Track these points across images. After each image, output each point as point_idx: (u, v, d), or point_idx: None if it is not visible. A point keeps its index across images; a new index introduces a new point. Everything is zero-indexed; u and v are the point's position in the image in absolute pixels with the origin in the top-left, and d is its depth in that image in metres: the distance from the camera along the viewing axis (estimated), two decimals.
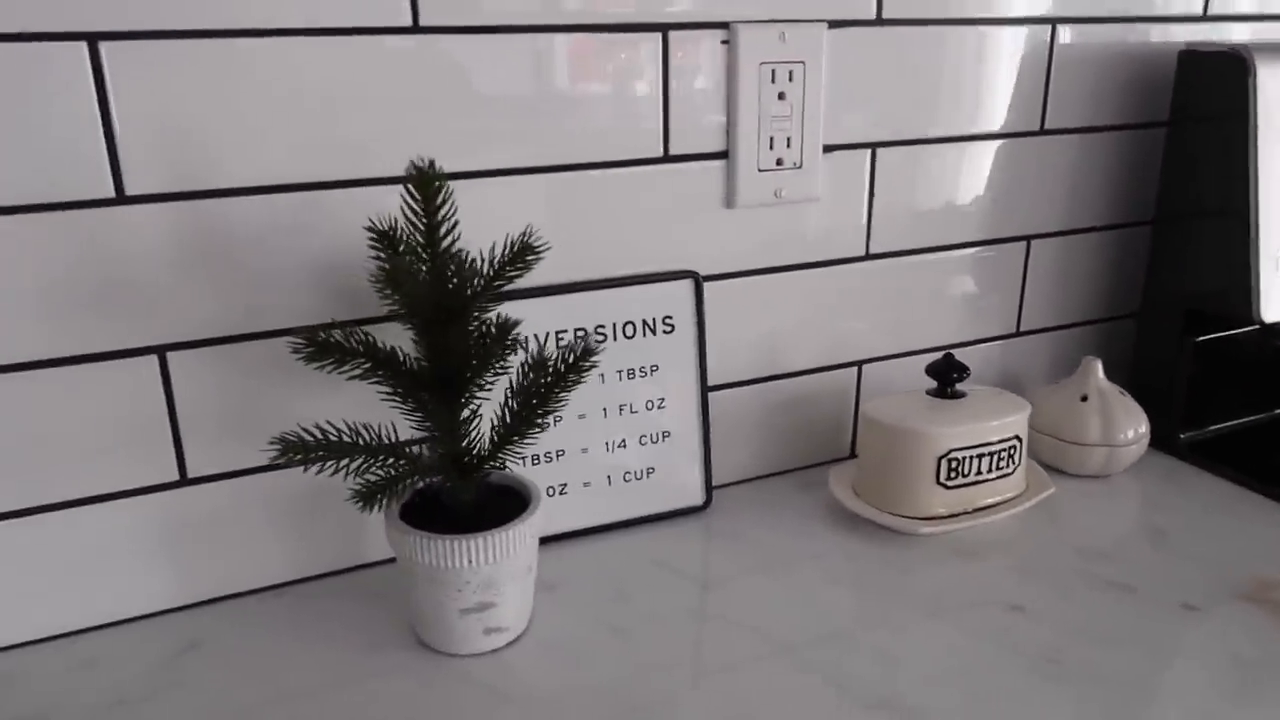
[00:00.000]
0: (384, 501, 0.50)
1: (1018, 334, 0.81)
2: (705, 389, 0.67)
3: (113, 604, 0.56)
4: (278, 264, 0.54)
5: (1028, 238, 0.78)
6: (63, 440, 0.52)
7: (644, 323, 0.64)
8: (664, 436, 0.66)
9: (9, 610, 0.54)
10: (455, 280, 0.47)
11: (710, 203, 0.65)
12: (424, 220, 0.47)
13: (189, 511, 0.56)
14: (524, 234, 0.50)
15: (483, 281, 0.49)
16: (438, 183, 0.47)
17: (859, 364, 0.75)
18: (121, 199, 0.50)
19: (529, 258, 0.50)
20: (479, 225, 0.51)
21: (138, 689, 0.51)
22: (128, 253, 0.51)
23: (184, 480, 0.56)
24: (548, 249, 0.51)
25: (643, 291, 0.64)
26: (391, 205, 0.51)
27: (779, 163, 0.65)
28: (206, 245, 0.52)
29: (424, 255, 0.48)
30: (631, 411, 0.65)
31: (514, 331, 0.48)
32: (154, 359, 0.53)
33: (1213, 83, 0.72)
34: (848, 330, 0.73)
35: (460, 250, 0.48)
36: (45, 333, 0.50)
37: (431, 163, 0.47)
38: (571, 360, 0.50)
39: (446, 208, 0.47)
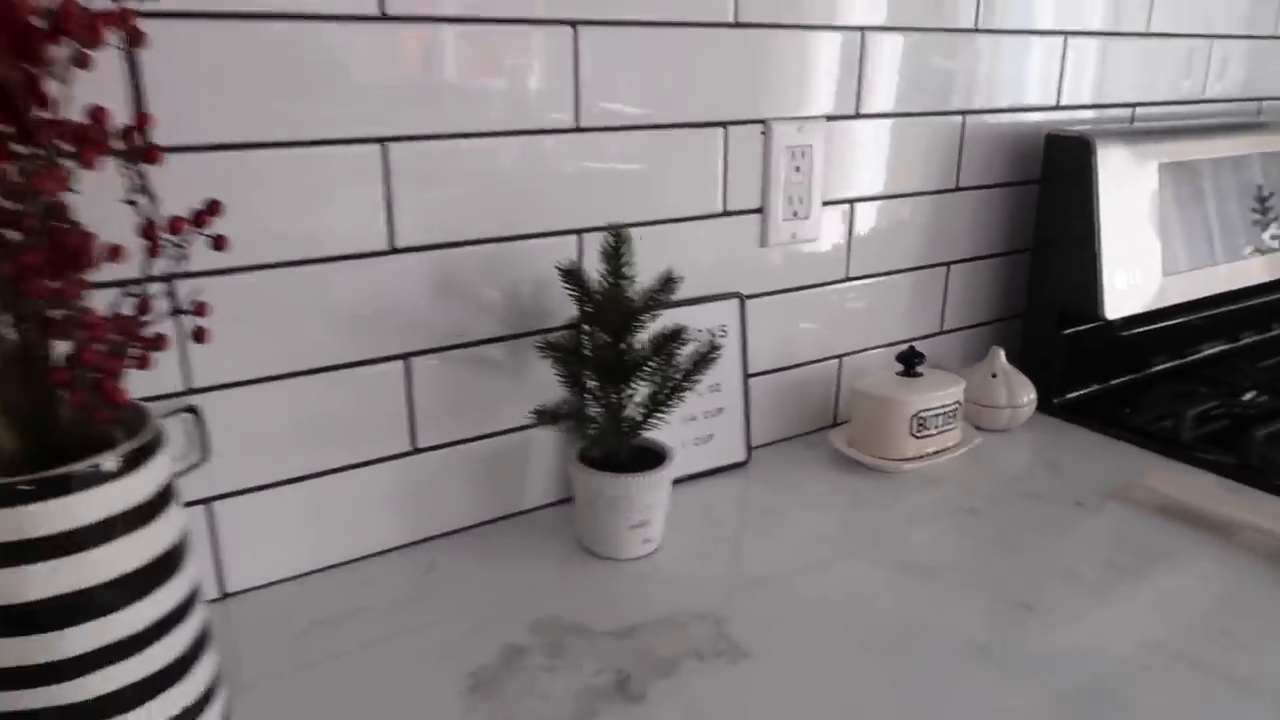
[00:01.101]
0: (598, 444, 0.74)
1: (941, 332, 1.12)
2: (746, 376, 0.94)
3: (374, 539, 0.77)
4: (489, 292, 0.77)
5: (948, 263, 1.09)
6: (338, 422, 0.74)
7: (709, 329, 0.90)
8: (719, 412, 0.93)
9: (306, 547, 0.74)
10: (632, 302, 0.73)
11: (750, 244, 0.92)
12: (614, 263, 0.72)
13: (418, 473, 0.78)
14: (667, 272, 0.76)
15: (648, 301, 0.74)
16: (626, 241, 0.72)
17: (840, 356, 1.03)
18: (394, 251, 0.73)
19: (671, 285, 0.75)
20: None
21: (405, 594, 0.73)
22: (394, 288, 0.73)
23: (415, 450, 0.78)
24: (682, 280, 0.77)
25: (709, 307, 0.90)
26: (568, 250, 0.75)
27: (795, 215, 0.93)
28: (444, 281, 0.75)
29: (609, 283, 0.73)
30: (697, 394, 0.91)
31: (683, 334, 0.73)
32: (401, 363, 0.75)
33: (1068, 155, 1.04)
34: (834, 331, 1.02)
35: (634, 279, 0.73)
36: (337, 344, 0.72)
37: (621, 227, 0.72)
38: (704, 354, 0.76)
39: (629, 255, 0.72)
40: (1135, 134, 1.08)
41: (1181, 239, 1.11)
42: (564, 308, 0.80)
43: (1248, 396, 1.13)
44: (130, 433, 0.50)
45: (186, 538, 0.52)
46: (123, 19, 0.41)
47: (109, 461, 0.47)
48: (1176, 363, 1.21)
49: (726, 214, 0.89)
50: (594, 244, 0.81)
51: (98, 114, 0.42)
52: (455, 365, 0.78)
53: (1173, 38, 1.21)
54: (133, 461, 0.48)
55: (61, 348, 0.46)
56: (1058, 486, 0.92)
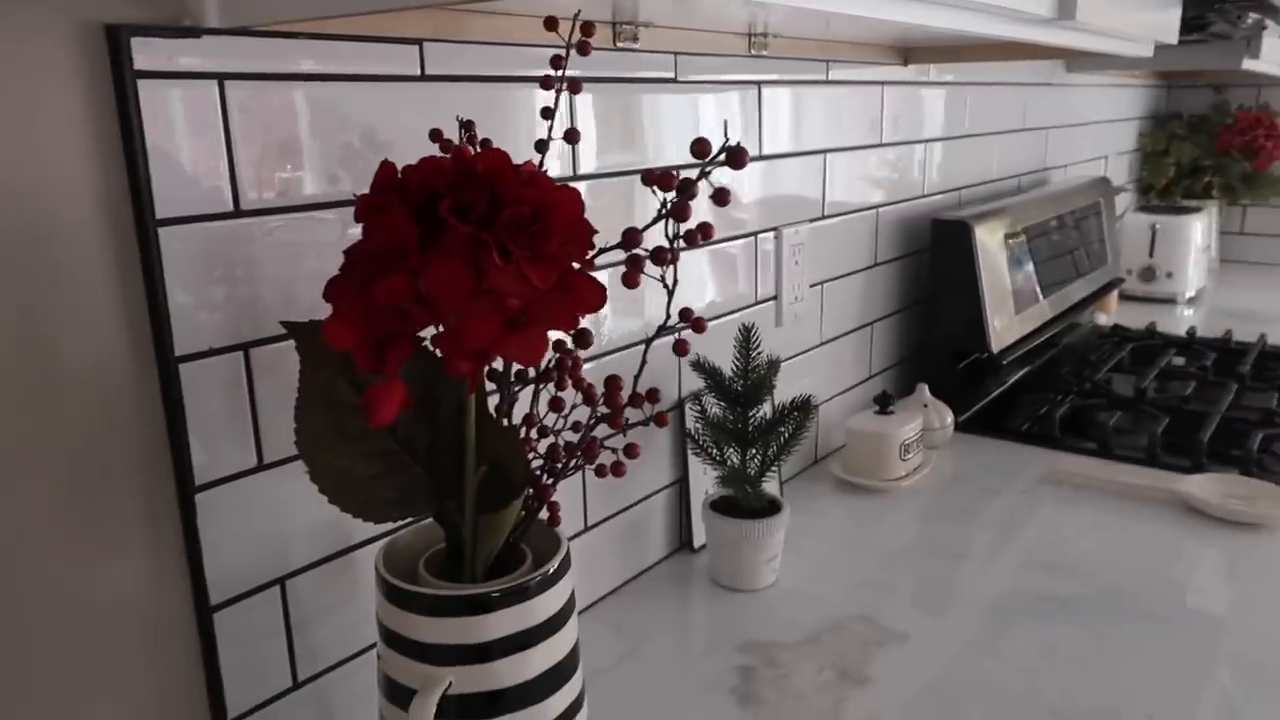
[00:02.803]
0: (744, 490, 0.93)
1: (870, 376, 1.41)
2: None
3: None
4: None
5: (872, 323, 1.38)
6: None
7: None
8: None
9: None
10: (764, 382, 0.93)
11: (770, 323, 1.15)
12: (746, 352, 0.92)
13: (588, 547, 0.92)
14: (774, 359, 0.96)
15: (767, 382, 0.94)
16: (755, 336, 0.92)
17: (819, 404, 1.28)
18: None
19: (776, 368, 0.96)
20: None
21: (622, 647, 0.87)
22: None
23: (586, 528, 0.92)
24: (779, 369, 0.98)
25: None
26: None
27: (796, 298, 1.17)
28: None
29: (738, 369, 0.93)
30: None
31: (811, 402, 0.94)
32: None
33: (952, 233, 1.38)
34: (814, 385, 1.26)
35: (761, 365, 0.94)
36: None
37: (751, 326, 0.92)
38: (805, 417, 0.97)
39: (757, 344, 0.93)
40: (986, 213, 1.44)
41: (1025, 281, 1.48)
42: (670, 392, 0.98)
43: (1086, 388, 1.52)
44: (538, 548, 0.61)
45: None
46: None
47: (552, 567, 0.59)
48: (1023, 373, 1.59)
49: (757, 302, 1.12)
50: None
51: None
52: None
53: (977, 137, 1.60)
54: (560, 571, 0.60)
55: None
56: (1001, 481, 1.22)
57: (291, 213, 0.63)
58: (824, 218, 1.22)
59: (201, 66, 0.57)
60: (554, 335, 0.49)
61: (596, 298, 0.47)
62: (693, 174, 0.51)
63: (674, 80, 0.93)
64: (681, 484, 1.03)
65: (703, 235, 0.51)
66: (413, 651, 0.57)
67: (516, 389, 0.58)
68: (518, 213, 0.45)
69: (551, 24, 0.55)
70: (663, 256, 0.50)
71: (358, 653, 0.72)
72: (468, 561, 0.59)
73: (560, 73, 0.55)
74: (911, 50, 1.32)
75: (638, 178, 0.85)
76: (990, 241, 1.41)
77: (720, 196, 0.50)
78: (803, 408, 0.94)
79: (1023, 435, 1.38)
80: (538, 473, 0.59)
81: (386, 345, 0.46)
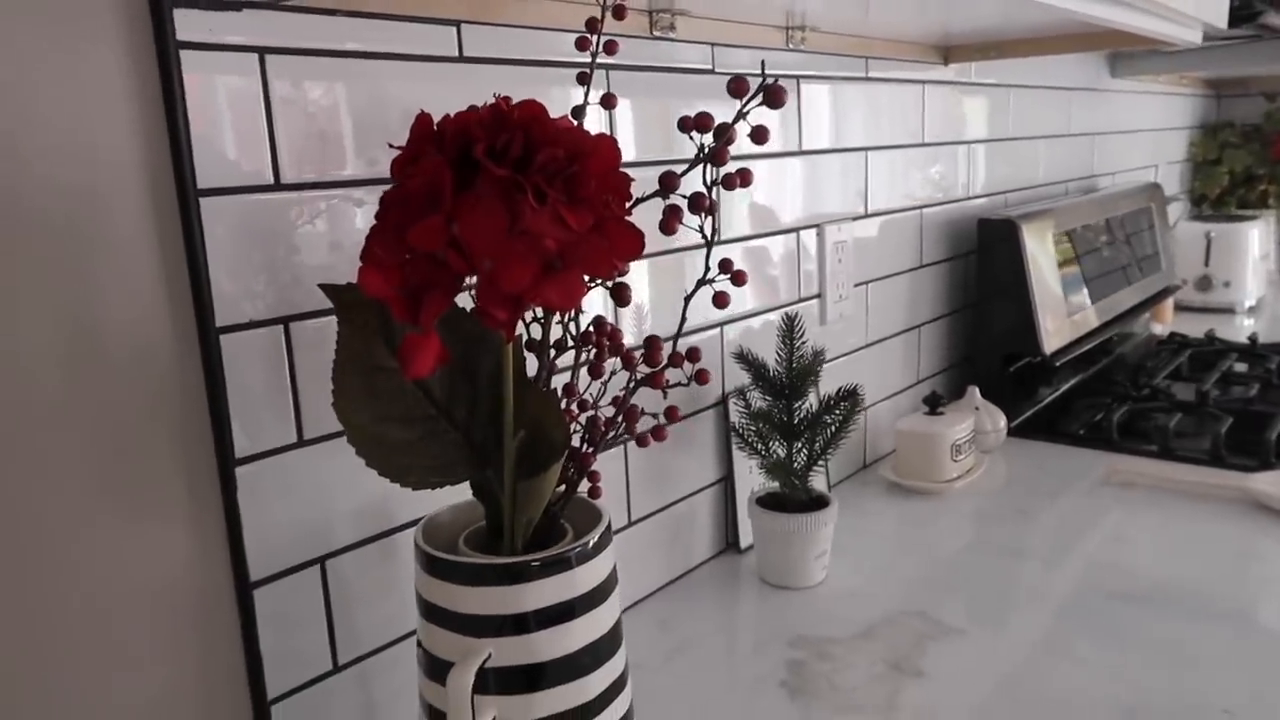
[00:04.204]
0: (790, 482, 0.91)
1: (919, 381, 1.38)
2: None
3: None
4: None
5: (919, 326, 1.36)
6: None
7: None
8: None
9: None
10: (807, 372, 0.91)
11: (815, 322, 1.13)
12: (790, 343, 0.90)
13: (632, 543, 0.91)
14: (819, 350, 0.95)
15: (809, 374, 0.92)
16: (799, 325, 0.90)
17: (866, 408, 1.26)
18: None
19: (821, 359, 0.94)
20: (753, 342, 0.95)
21: (669, 643, 0.85)
22: None
23: (629, 523, 0.90)
24: (824, 361, 0.96)
25: None
26: (714, 342, 0.93)
27: (840, 297, 1.16)
28: None
29: (781, 360, 0.91)
30: None
31: (857, 392, 0.92)
32: (619, 448, 0.88)
33: (998, 233, 1.35)
34: (864, 384, 1.24)
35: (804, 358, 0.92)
36: None
37: (794, 314, 0.91)
38: (852, 410, 0.95)
39: (801, 335, 0.91)
40: (1038, 213, 1.41)
41: (1075, 285, 1.45)
42: (713, 388, 0.97)
43: (1144, 393, 1.47)
44: (579, 524, 0.60)
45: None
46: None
47: (592, 539, 0.58)
48: (1077, 379, 1.55)
49: (800, 300, 1.10)
50: (732, 334, 0.99)
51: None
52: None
53: (1021, 140, 1.58)
54: (601, 544, 0.59)
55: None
56: (1059, 483, 1.18)
57: (331, 188, 0.63)
58: (866, 216, 1.20)
59: (243, 40, 0.57)
60: (592, 305, 0.48)
61: (634, 243, 0.46)
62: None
63: (711, 71, 0.93)
64: (726, 482, 1.01)
65: (741, 181, 0.50)
66: (451, 623, 0.56)
67: (555, 356, 0.57)
68: (553, 155, 0.45)
69: (593, 25, 0.54)
70: (701, 203, 0.49)
71: (399, 638, 0.71)
72: (507, 532, 0.57)
73: (596, 37, 0.55)
74: (952, 49, 1.31)
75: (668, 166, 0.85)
76: (1039, 243, 1.38)
77: (758, 135, 0.49)
78: (849, 397, 0.92)
79: (1079, 438, 1.34)
80: (577, 443, 0.58)
81: (423, 295, 0.46)
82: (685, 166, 0.50)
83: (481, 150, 0.44)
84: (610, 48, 0.55)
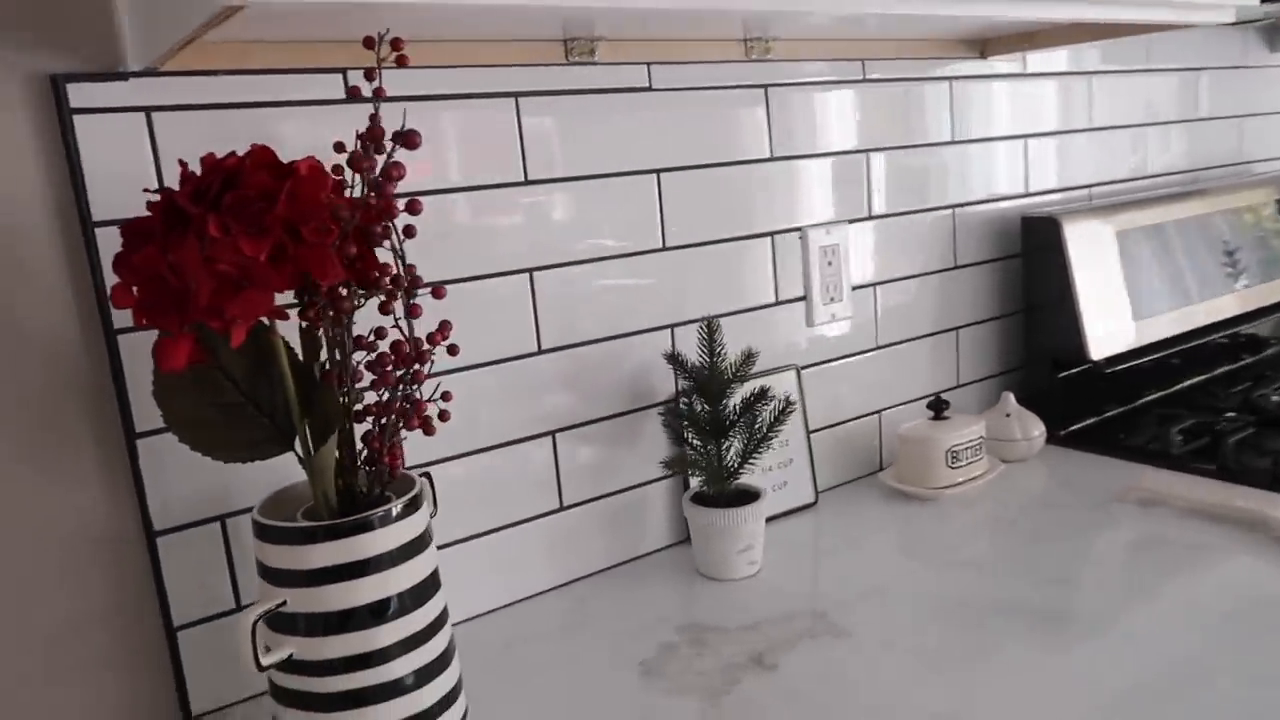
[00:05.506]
0: (710, 486, 0.96)
1: (958, 385, 1.34)
2: (809, 432, 1.15)
3: (531, 583, 0.98)
4: (608, 379, 1.00)
5: (956, 329, 1.32)
6: (506, 486, 0.95)
7: (777, 395, 1.12)
8: (790, 462, 1.14)
9: (480, 591, 0.95)
10: (724, 374, 0.95)
11: (800, 325, 1.15)
12: (709, 346, 0.95)
13: (563, 526, 0.99)
14: (747, 350, 0.98)
15: (736, 374, 0.96)
16: (717, 330, 0.95)
17: (879, 411, 1.25)
18: (540, 352, 0.95)
19: (751, 360, 0.98)
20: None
21: (571, 619, 0.93)
22: (541, 381, 0.96)
23: (561, 508, 0.99)
24: (759, 355, 0.99)
25: (774, 377, 1.12)
26: (663, 343, 0.98)
27: (831, 299, 1.17)
28: (573, 374, 0.98)
29: (706, 361, 0.96)
30: (772, 448, 1.12)
31: (769, 394, 0.95)
32: (549, 439, 0.97)
33: (1042, 232, 1.29)
34: (872, 391, 1.24)
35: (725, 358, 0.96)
36: (505, 425, 0.94)
37: (712, 318, 0.95)
38: (781, 411, 0.97)
39: (720, 339, 0.95)
40: (1091, 209, 1.32)
41: (1149, 289, 1.34)
42: (664, 385, 1.02)
43: (1231, 415, 1.34)
44: (402, 492, 0.71)
45: (438, 566, 0.73)
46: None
47: (395, 508, 0.68)
48: (1162, 393, 1.43)
49: (779, 303, 1.13)
50: (682, 335, 1.04)
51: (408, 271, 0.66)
52: (587, 437, 1.00)
53: (1115, 129, 1.47)
54: (409, 508, 0.69)
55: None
56: (1068, 496, 1.12)
57: None
58: (870, 218, 1.20)
59: (132, 102, 0.73)
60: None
61: (320, 267, 0.56)
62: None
63: (648, 89, 0.99)
64: (685, 478, 1.07)
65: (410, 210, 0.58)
66: (264, 575, 0.68)
67: (343, 355, 0.67)
68: (243, 195, 0.56)
69: (369, 43, 0.64)
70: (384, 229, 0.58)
71: None
72: (316, 501, 0.69)
73: (376, 83, 0.64)
74: (989, 41, 1.26)
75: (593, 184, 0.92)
76: (1091, 241, 1.29)
77: (408, 139, 0.57)
78: (760, 397, 0.95)
79: (1124, 450, 1.24)
80: (371, 428, 0.68)
81: (159, 308, 0.58)
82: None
83: (185, 193, 0.56)
84: (379, 93, 0.64)
